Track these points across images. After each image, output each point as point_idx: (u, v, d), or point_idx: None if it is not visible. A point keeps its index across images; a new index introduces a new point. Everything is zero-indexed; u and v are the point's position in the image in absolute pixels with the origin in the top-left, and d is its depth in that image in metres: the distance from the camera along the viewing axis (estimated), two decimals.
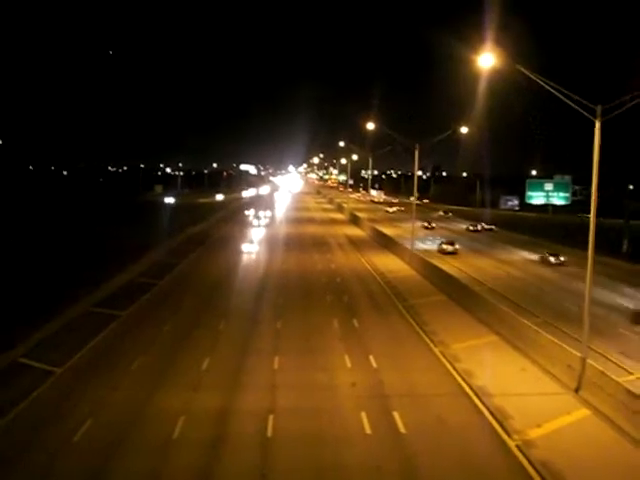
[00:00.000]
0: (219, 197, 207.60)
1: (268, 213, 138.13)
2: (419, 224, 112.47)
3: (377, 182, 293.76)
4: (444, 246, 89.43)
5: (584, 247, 37.02)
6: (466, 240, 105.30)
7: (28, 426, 28.99)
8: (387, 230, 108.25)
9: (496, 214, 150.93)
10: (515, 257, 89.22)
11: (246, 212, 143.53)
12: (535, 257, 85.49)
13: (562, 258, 79.67)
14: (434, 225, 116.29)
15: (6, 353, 36.96)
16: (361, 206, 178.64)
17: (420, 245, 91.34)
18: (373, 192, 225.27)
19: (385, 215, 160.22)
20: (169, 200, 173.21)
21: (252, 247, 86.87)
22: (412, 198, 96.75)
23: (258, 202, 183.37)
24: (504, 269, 77.42)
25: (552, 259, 79.95)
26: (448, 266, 73.21)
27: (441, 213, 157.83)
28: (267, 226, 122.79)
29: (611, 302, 56.61)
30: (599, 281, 52.69)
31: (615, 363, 38.54)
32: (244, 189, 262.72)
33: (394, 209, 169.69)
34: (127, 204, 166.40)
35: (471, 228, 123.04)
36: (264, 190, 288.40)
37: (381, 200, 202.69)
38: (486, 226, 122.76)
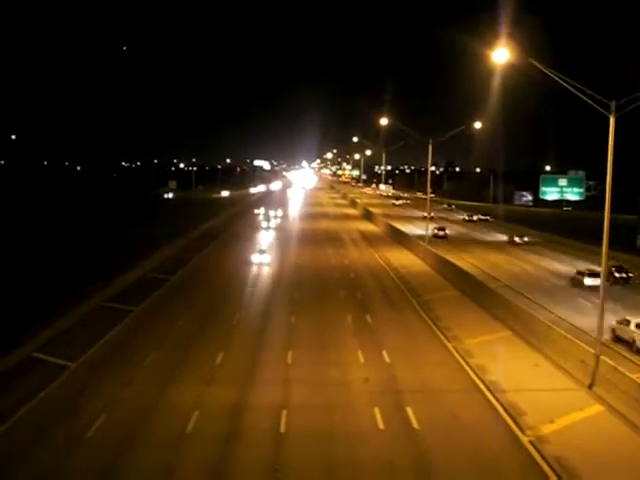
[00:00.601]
0: (225, 193, 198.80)
1: (279, 213, 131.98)
2: (420, 214, 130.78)
3: (390, 177, 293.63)
4: (436, 231, 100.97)
5: (597, 242, 36.92)
6: (459, 227, 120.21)
7: (42, 420, 29.14)
8: (397, 224, 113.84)
9: (509, 209, 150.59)
10: (493, 239, 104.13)
11: (255, 211, 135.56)
12: (506, 238, 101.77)
13: (526, 239, 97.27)
14: (433, 215, 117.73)
15: (21, 348, 37.15)
16: (372, 200, 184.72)
17: (417, 231, 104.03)
18: (382, 186, 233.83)
19: (392, 207, 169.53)
20: (169, 195, 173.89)
21: (264, 249, 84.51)
22: (419, 193, 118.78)
23: (269, 200, 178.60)
24: (493, 255, 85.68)
25: (517, 239, 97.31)
26: (436, 246, 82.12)
27: (445, 206, 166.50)
28: (278, 228, 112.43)
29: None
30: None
31: (629, 359, 38.43)
32: (253, 185, 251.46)
33: (400, 202, 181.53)
34: (136, 200, 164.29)
35: (467, 218, 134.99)
36: (275, 186, 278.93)
37: (390, 194, 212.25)
38: (482, 217, 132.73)
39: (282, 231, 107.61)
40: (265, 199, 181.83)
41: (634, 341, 40.43)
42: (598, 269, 53.45)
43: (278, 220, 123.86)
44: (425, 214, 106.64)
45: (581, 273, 62.91)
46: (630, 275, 65.35)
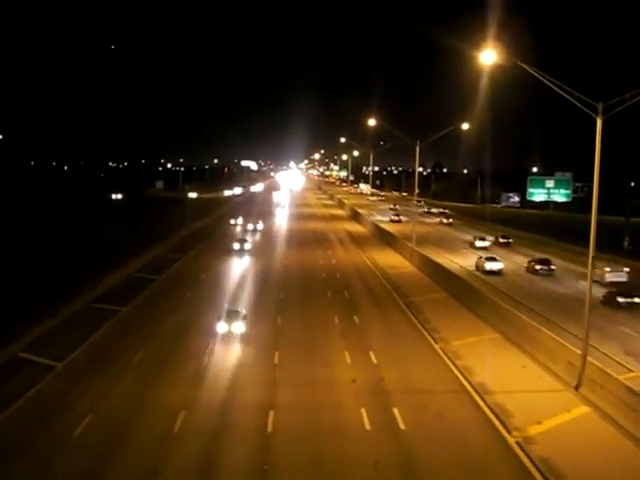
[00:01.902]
0: (192, 195, 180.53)
1: (259, 226, 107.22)
2: (387, 206, 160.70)
3: (378, 178, 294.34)
4: (392, 217, 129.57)
5: (585, 244, 37.00)
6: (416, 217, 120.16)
7: (29, 420, 29.02)
8: (362, 210, 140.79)
9: (494, 211, 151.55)
10: (432, 220, 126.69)
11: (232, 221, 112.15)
12: (438, 220, 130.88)
13: (450, 220, 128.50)
14: (398, 207, 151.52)
15: (7, 348, 36.97)
16: (350, 197, 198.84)
17: (379, 217, 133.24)
18: (362, 186, 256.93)
19: (367, 201, 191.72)
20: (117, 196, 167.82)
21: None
22: (395, 192, 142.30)
23: (246, 206, 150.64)
24: (424, 229, 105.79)
25: (444, 220, 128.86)
26: (389, 227, 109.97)
27: (414, 202, 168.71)
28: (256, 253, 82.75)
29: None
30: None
31: (615, 360, 38.54)
32: (229, 187, 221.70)
33: (374, 198, 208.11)
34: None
35: (426, 210, 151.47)
36: (257, 188, 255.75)
37: (368, 192, 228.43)
38: (442, 210, 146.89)
39: (271, 233, 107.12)
40: (242, 205, 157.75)
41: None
42: (488, 237, 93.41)
43: (257, 237, 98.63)
44: (391, 205, 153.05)
45: (476, 238, 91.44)
46: (510, 241, 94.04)
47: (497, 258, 72.65)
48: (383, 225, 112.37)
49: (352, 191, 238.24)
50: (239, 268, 72.00)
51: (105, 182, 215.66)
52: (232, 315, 42.60)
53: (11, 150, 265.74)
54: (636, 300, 53.76)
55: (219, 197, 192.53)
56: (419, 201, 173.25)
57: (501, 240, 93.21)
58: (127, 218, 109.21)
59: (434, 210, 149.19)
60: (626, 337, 44.63)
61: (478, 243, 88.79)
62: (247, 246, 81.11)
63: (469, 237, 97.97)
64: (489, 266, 69.55)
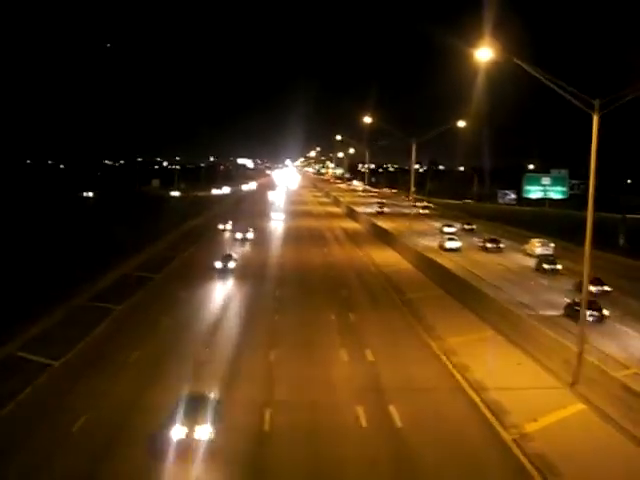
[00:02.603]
0: (174, 194, 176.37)
1: (249, 235, 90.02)
2: (375, 200, 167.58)
3: (374, 176, 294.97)
4: (377, 209, 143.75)
5: (579, 241, 37.08)
6: (401, 209, 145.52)
7: (26, 418, 28.94)
8: (357, 208, 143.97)
9: (492, 208, 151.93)
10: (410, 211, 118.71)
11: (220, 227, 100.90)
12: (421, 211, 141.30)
13: (428, 211, 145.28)
14: (385, 201, 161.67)
15: (3, 346, 36.89)
16: (344, 193, 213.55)
17: (368, 210, 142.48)
18: (355, 182, 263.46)
19: (359, 197, 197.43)
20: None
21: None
22: (386, 189, 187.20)
23: (240, 207, 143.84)
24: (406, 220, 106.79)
25: (421, 211, 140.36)
26: (379, 220, 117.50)
27: (403, 197, 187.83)
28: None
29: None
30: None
31: (612, 358, 38.59)
32: (219, 186, 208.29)
33: (364, 193, 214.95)
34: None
35: (413, 204, 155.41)
36: (250, 186, 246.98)
37: (360, 188, 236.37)
38: (426, 204, 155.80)
39: (268, 232, 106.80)
40: (233, 206, 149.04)
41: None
42: (455, 224, 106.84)
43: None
44: (378, 200, 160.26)
45: (444, 225, 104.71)
46: (474, 227, 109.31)
47: (456, 238, 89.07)
48: (371, 217, 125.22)
49: (346, 188, 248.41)
50: (221, 292, 58.29)
51: (78, 181, 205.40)
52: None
53: (7, 148, 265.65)
54: (557, 267, 69.78)
55: (208, 196, 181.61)
56: (407, 196, 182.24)
57: (466, 227, 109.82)
58: (83, 222, 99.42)
59: (418, 204, 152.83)
60: (548, 290, 60.09)
61: (446, 229, 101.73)
62: (231, 264, 65.00)
63: (439, 225, 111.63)
64: (449, 245, 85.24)
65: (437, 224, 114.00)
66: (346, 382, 34.47)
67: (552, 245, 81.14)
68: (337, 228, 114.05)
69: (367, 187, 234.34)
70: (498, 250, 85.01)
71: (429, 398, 32.72)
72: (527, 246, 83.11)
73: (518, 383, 34.95)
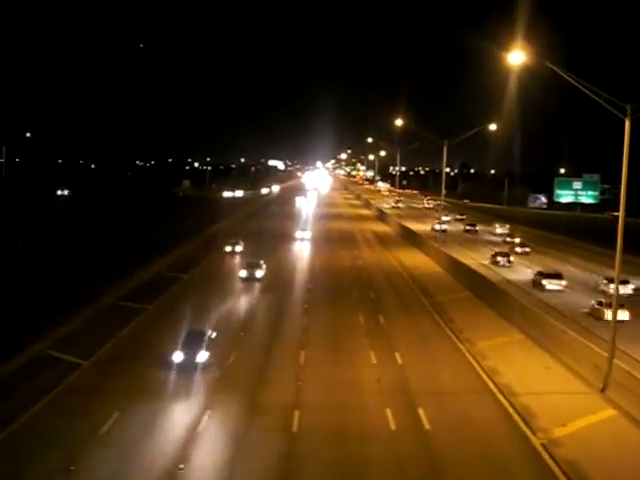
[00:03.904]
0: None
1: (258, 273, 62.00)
2: (393, 199, 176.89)
3: (405, 179, 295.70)
4: (393, 204, 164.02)
5: (609, 246, 36.91)
6: (414, 204, 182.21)
7: (56, 416, 29.20)
8: (374, 201, 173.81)
9: (519, 212, 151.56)
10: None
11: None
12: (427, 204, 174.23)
13: (431, 205, 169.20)
14: (402, 198, 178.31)
15: (35, 345, 37.21)
16: (372, 194, 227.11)
17: (385, 205, 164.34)
18: (380, 184, 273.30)
19: (380, 195, 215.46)
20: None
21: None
22: (408, 190, 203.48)
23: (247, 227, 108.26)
24: (414, 211, 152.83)
25: (426, 205, 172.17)
26: (391, 210, 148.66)
27: (421, 196, 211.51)
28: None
29: None
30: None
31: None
32: (228, 189, 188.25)
33: (387, 193, 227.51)
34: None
35: (425, 201, 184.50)
36: (273, 189, 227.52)
37: (384, 189, 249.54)
38: (436, 203, 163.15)
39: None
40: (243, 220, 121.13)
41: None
42: (450, 215, 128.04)
43: None
44: (396, 198, 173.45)
45: (441, 215, 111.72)
46: (464, 217, 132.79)
47: (444, 222, 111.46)
48: (386, 209, 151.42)
49: (372, 188, 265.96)
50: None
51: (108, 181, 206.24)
52: None
53: (39, 148, 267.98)
54: (516, 240, 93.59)
55: (215, 198, 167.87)
56: (425, 195, 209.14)
57: (458, 217, 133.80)
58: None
59: (432, 203, 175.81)
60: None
61: (442, 218, 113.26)
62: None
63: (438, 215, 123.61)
64: (437, 227, 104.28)
65: (436, 214, 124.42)
66: (375, 385, 34.51)
67: (507, 226, 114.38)
68: (367, 231, 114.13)
69: (391, 188, 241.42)
70: (475, 232, 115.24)
71: (458, 401, 32.68)
72: (492, 228, 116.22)
73: (547, 387, 34.79)
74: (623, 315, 46.48)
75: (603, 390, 33.40)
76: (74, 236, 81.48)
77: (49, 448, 26.03)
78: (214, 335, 37.83)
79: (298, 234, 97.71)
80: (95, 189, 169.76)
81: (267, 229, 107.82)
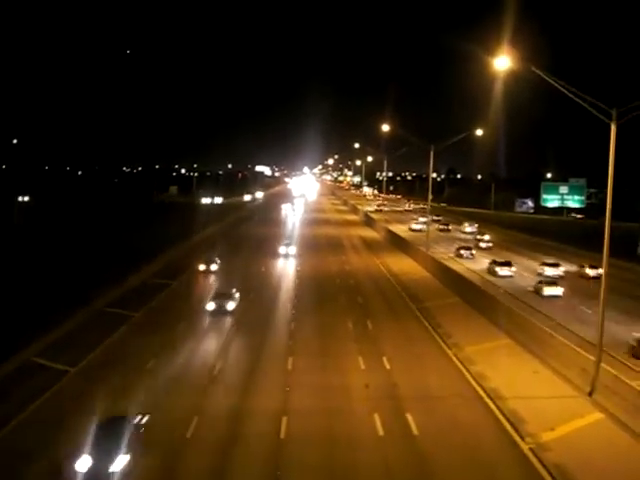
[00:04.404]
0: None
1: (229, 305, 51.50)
2: (376, 203, 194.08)
3: (392, 184, 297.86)
4: (376, 207, 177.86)
5: (596, 250, 37.05)
6: (395, 208, 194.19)
7: (42, 424, 29.06)
8: (360, 205, 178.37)
9: (508, 216, 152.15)
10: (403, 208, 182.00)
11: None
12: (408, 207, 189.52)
13: (412, 207, 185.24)
14: (385, 202, 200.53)
15: (21, 352, 37.05)
16: (357, 198, 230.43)
17: (370, 208, 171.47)
18: (365, 189, 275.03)
19: (365, 200, 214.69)
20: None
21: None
22: (393, 195, 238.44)
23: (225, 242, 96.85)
24: (398, 215, 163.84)
25: (407, 208, 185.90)
26: (377, 215, 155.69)
27: (404, 201, 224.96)
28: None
29: None
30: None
31: (628, 366, 38.43)
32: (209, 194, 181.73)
33: (372, 197, 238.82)
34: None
35: (407, 205, 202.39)
36: (257, 196, 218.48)
37: (369, 193, 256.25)
38: (415, 206, 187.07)
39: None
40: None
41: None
42: (427, 217, 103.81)
43: None
44: (379, 202, 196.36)
45: (419, 217, 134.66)
46: (440, 218, 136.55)
47: (420, 223, 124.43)
48: (371, 213, 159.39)
49: (358, 194, 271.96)
50: None
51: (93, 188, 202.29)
52: None
53: (26, 155, 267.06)
54: (485, 237, 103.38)
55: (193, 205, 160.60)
56: (408, 199, 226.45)
57: (434, 218, 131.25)
58: None
59: (411, 206, 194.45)
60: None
61: (420, 219, 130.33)
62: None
63: (416, 217, 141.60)
64: (414, 226, 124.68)
65: (415, 216, 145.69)
66: (363, 390, 34.45)
67: (476, 225, 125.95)
68: (355, 236, 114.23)
69: (376, 193, 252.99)
70: (447, 231, 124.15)
71: (446, 406, 32.66)
72: (461, 226, 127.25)
73: (535, 392, 34.84)
74: (557, 291, 61.57)
75: (591, 394, 33.48)
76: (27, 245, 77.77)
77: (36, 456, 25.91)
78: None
79: (282, 250, 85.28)
80: (57, 195, 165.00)
81: (252, 236, 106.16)
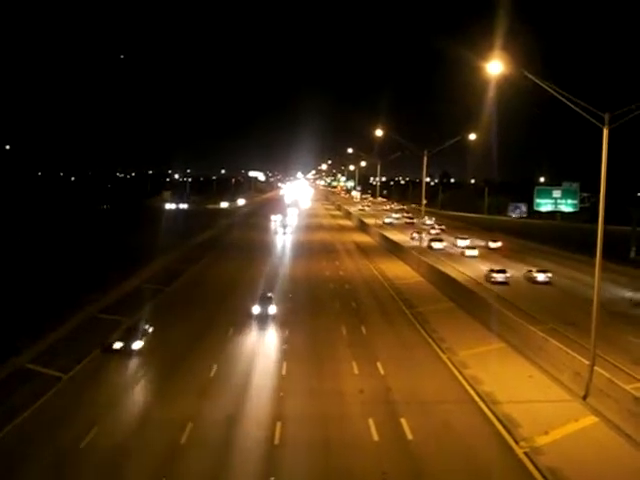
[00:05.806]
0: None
1: None
2: (361, 204, 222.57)
3: (385, 189, 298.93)
4: (360, 207, 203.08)
5: (590, 254, 37.12)
6: (382, 208, 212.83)
7: (35, 431, 28.94)
8: (346, 206, 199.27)
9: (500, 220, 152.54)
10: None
11: None
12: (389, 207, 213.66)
13: (391, 206, 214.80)
14: (370, 204, 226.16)
15: (14, 359, 36.92)
16: (346, 200, 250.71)
17: (355, 208, 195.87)
18: (354, 192, 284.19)
19: (352, 202, 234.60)
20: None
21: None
22: (381, 198, 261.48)
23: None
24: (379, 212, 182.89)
25: (389, 207, 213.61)
26: (358, 211, 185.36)
27: (389, 202, 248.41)
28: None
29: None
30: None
31: (623, 370, 38.46)
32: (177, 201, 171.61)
33: (359, 199, 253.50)
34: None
35: (387, 206, 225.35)
36: (239, 202, 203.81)
37: (357, 198, 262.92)
38: (398, 207, 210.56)
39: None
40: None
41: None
42: (399, 214, 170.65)
43: None
44: (365, 203, 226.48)
45: (392, 213, 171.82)
46: (414, 221, 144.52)
47: (393, 218, 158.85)
48: (358, 212, 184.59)
49: (347, 197, 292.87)
50: None
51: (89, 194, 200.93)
52: None
53: (18, 160, 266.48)
54: (443, 227, 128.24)
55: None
56: (393, 202, 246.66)
57: (405, 215, 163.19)
58: None
59: (393, 205, 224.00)
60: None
61: (394, 215, 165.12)
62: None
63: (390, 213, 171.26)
64: (386, 220, 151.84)
65: (390, 212, 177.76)
66: (357, 395, 34.42)
67: (434, 218, 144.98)
68: (349, 241, 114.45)
69: (363, 196, 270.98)
70: (412, 224, 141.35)
71: (440, 411, 32.65)
72: (423, 219, 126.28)
73: (529, 396, 34.85)
74: (474, 252, 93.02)
75: (585, 397, 33.50)
76: None
77: (29, 462, 25.82)
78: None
79: (255, 309, 50.83)
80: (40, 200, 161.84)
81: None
